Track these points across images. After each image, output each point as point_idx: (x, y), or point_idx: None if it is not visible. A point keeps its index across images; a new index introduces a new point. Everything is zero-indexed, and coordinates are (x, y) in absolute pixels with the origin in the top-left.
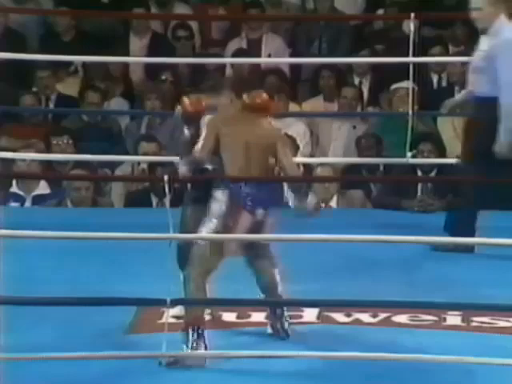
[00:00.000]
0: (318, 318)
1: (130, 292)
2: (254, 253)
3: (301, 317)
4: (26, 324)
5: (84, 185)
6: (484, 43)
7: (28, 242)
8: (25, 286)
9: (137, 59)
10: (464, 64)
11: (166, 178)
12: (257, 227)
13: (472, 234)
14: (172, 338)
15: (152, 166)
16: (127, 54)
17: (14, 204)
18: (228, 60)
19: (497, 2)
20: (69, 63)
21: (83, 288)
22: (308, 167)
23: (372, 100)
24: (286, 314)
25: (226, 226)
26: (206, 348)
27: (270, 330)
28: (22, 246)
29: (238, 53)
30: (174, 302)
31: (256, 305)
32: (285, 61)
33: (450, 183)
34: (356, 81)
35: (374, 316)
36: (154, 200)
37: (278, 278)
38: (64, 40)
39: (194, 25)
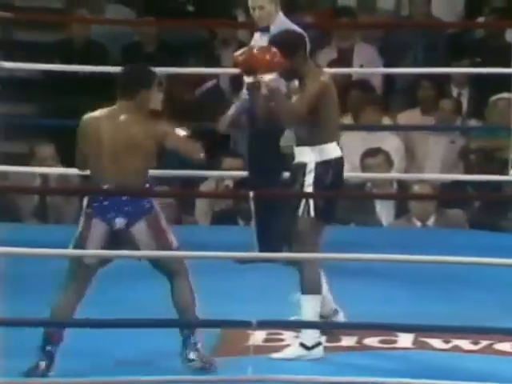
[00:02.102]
0: (414, 343)
1: (213, 313)
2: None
3: (395, 342)
4: (106, 346)
5: (166, 201)
6: None
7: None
8: (107, 307)
9: (223, 70)
10: None
11: (251, 194)
12: (117, 237)
13: None
14: (257, 361)
15: (237, 182)
16: (213, 64)
17: None
18: None
19: None
20: None
21: (163, 310)
22: (403, 184)
23: (472, 112)
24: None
25: (82, 236)
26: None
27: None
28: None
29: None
30: (260, 324)
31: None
32: (378, 71)
33: None
34: (454, 92)
35: (475, 343)
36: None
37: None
38: (147, 51)
39: None
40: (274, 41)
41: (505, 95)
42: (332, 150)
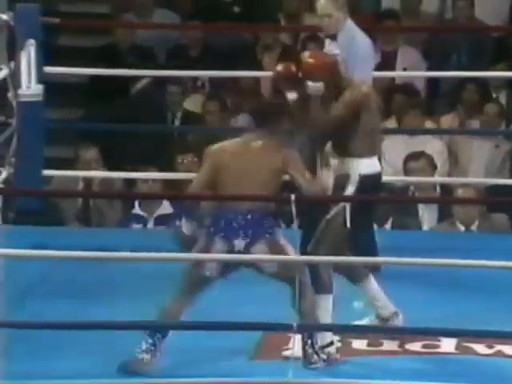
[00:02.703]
0: (457, 348)
1: (254, 316)
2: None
3: (438, 346)
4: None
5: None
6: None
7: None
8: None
9: (266, 74)
10: None
11: (292, 197)
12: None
13: None
14: (298, 364)
15: None
16: (257, 68)
17: (136, 226)
18: None
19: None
20: (195, 79)
21: (205, 312)
22: (446, 187)
23: None
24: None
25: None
26: None
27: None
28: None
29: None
30: (301, 328)
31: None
32: (421, 75)
33: None
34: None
35: None
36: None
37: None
38: (191, 55)
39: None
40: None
41: None
42: (373, 164)
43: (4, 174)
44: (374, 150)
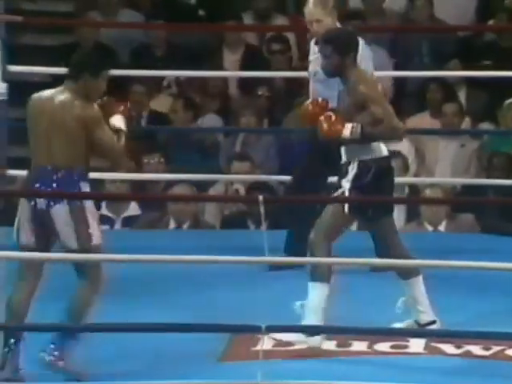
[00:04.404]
0: (425, 348)
1: (222, 318)
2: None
3: (406, 347)
4: (112, 353)
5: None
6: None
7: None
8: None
9: (232, 73)
10: None
11: (260, 198)
12: (41, 216)
13: None
14: (267, 366)
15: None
16: (221, 68)
17: (103, 227)
18: None
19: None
20: (161, 79)
21: (173, 314)
22: (415, 188)
23: (485, 116)
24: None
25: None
26: None
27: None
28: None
29: None
30: (269, 329)
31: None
32: (389, 74)
33: None
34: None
35: (487, 348)
36: (251, 223)
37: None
38: (156, 54)
39: (290, 37)
40: (328, 38)
41: None
42: (378, 149)
43: None
44: None
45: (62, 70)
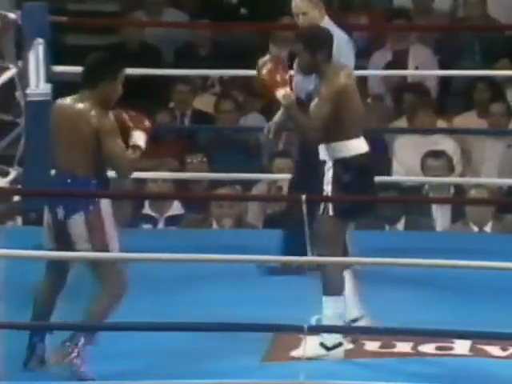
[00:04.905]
0: (471, 350)
1: (264, 317)
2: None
3: (451, 348)
4: (142, 350)
5: (226, 204)
6: None
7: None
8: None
9: None
10: None
11: (303, 198)
12: (60, 226)
13: None
14: (309, 366)
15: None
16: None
17: (146, 226)
18: (373, 72)
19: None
20: (205, 78)
21: (214, 313)
22: (460, 188)
23: None
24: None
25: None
26: None
27: None
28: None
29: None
30: (312, 329)
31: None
32: (434, 73)
33: None
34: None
35: None
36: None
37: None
38: (200, 54)
39: None
40: (299, 35)
41: None
42: (353, 147)
43: (12, 175)
44: (354, 133)
45: None
